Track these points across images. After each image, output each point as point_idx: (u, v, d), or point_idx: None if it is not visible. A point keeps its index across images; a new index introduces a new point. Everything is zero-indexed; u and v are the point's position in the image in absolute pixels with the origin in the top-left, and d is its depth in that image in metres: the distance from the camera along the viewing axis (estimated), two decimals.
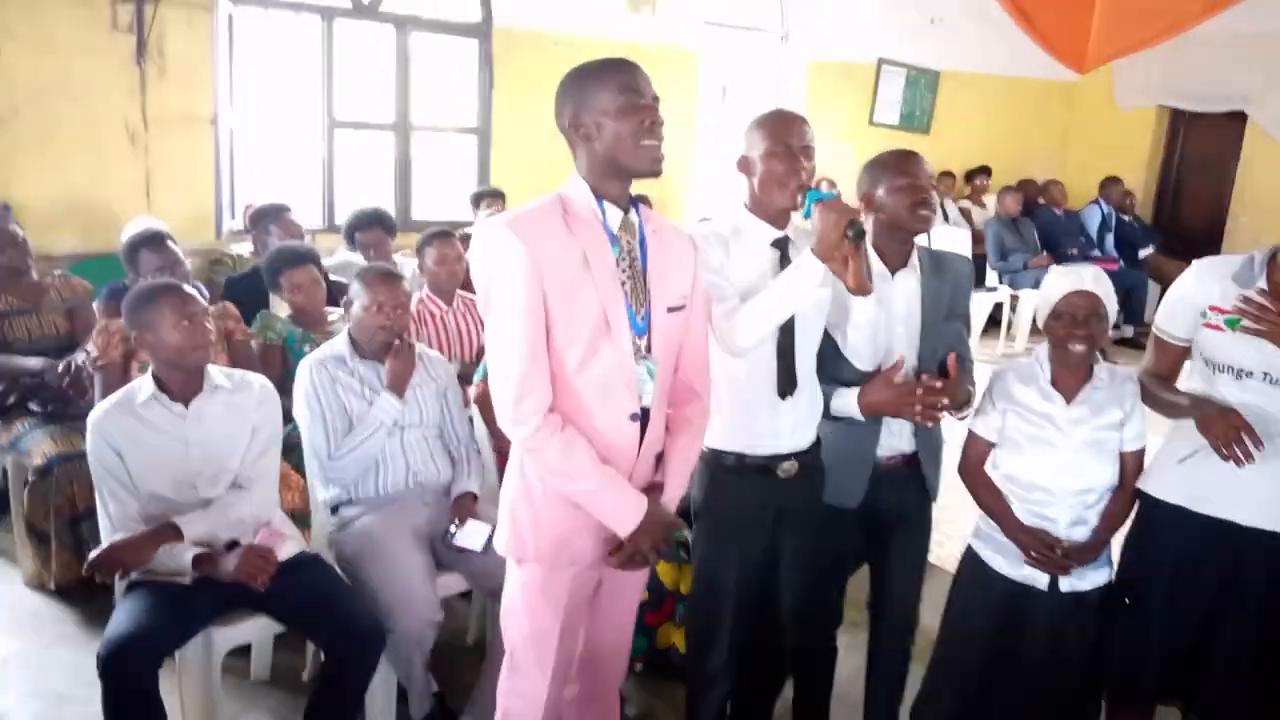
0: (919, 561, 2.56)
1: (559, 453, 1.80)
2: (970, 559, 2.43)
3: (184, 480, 2.48)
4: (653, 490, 1.94)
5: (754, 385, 2.21)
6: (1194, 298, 2.19)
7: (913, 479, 2.44)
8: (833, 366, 2.33)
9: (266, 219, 4.77)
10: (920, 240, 2.43)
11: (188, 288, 2.60)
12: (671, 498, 1.98)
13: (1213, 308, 2.13)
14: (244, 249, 5.26)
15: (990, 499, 2.35)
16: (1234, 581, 2.11)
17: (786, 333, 2.17)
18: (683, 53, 7.18)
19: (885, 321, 2.33)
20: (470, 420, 3.07)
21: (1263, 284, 2.08)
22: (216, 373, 2.60)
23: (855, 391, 2.26)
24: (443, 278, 3.87)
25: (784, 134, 2.15)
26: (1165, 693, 2.27)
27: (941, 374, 2.24)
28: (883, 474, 2.39)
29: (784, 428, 2.24)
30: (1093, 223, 8.28)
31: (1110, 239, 8.27)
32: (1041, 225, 8.05)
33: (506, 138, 6.66)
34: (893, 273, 2.36)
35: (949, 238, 7.72)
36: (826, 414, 2.33)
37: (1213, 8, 8.79)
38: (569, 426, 1.82)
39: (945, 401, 2.16)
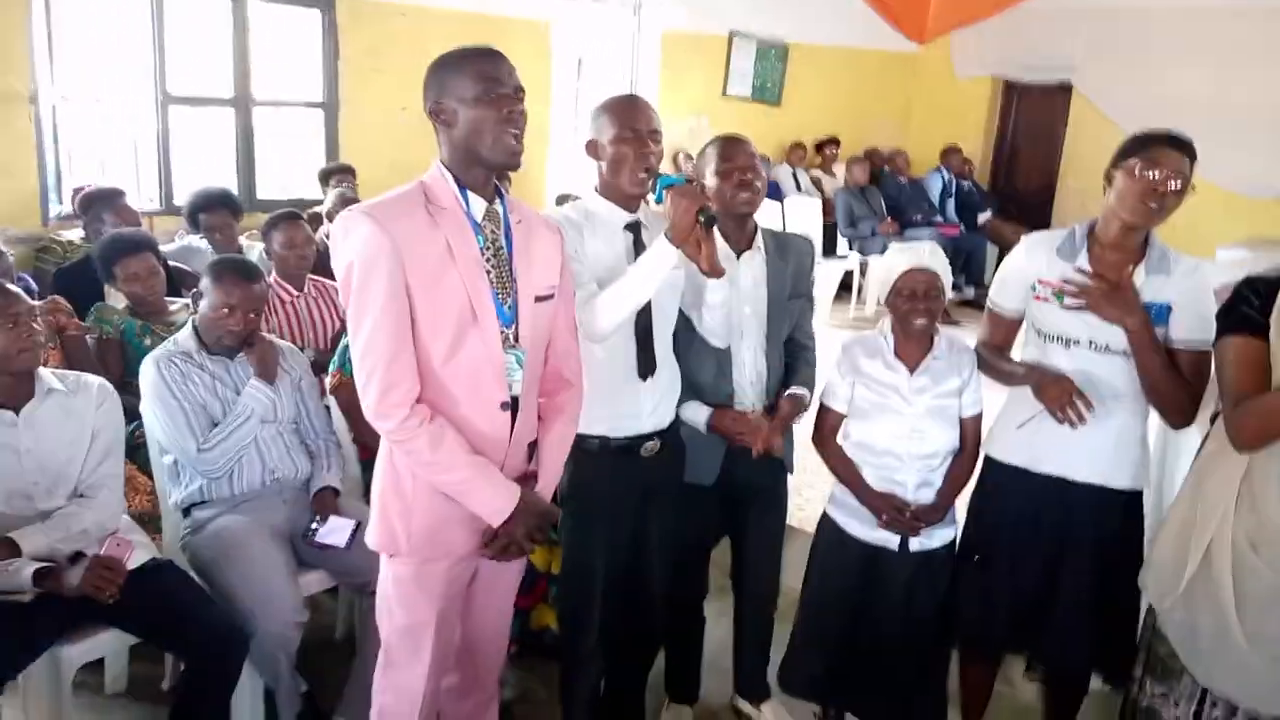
0: (777, 533, 2.67)
1: (428, 444, 1.79)
2: (827, 524, 2.54)
3: (18, 492, 2.33)
4: (526, 479, 1.95)
5: (614, 368, 2.24)
6: (1023, 272, 2.32)
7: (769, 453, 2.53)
8: (687, 345, 2.39)
9: (98, 204, 4.47)
10: (766, 221, 2.51)
11: (9, 285, 2.42)
12: (545, 486, 2.00)
13: (1041, 281, 2.27)
14: (74, 236, 4.93)
15: (843, 467, 2.46)
16: (1070, 535, 2.27)
17: (644, 315, 2.21)
18: (535, 24, 7.10)
19: (734, 302, 2.40)
20: (328, 411, 2.99)
21: (1084, 258, 2.23)
22: (49, 375, 2.44)
23: (707, 412, 2.39)
24: (292, 262, 3.74)
25: (630, 119, 2.18)
26: (1012, 641, 2.44)
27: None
28: (738, 451, 2.47)
29: (645, 408, 2.29)
30: (935, 190, 8.68)
31: (951, 205, 8.69)
32: (888, 193, 8.39)
33: (355, 111, 6.45)
34: (738, 254, 2.43)
35: (801, 207, 7.97)
36: (683, 394, 2.40)
37: None
38: (438, 417, 1.81)
39: (779, 442, 2.37)
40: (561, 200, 6.75)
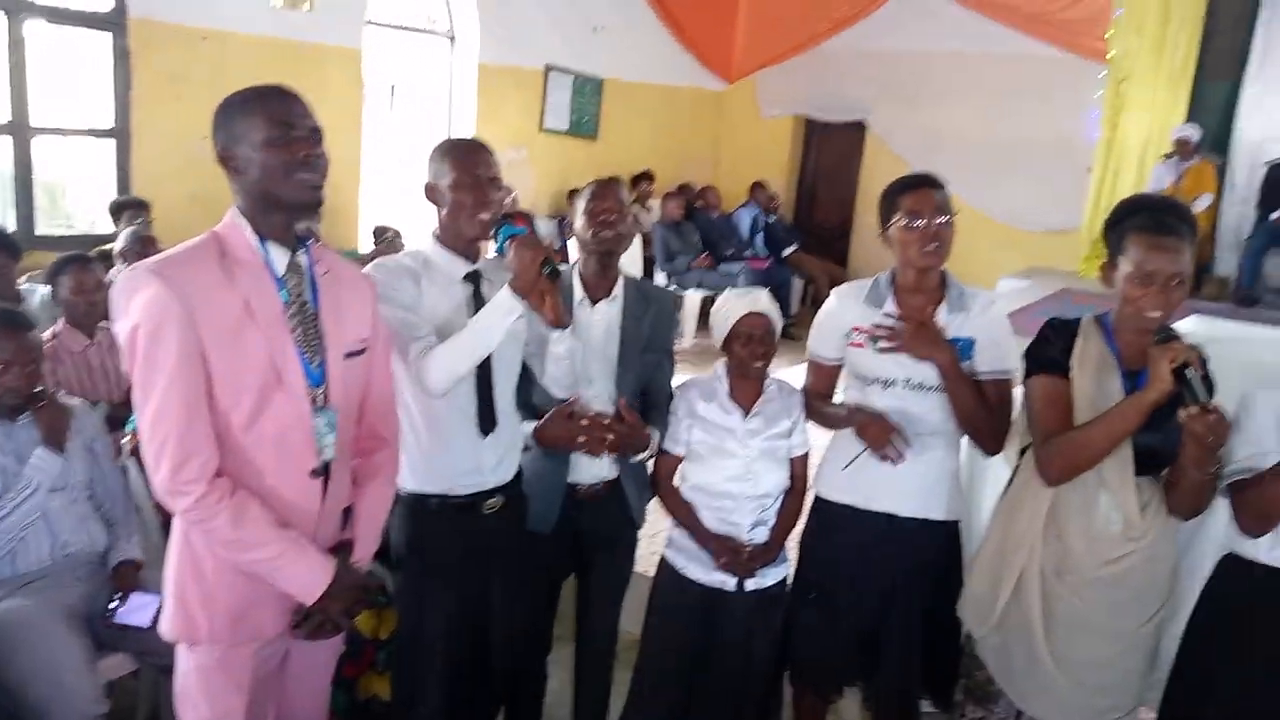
0: (621, 583, 2.65)
1: (229, 521, 1.65)
2: (665, 568, 2.55)
3: None
4: (341, 549, 1.84)
5: (453, 423, 2.17)
6: (837, 321, 2.42)
7: (615, 503, 2.52)
8: (527, 395, 2.34)
9: None
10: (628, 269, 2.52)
11: None
12: (363, 555, 1.89)
13: (855, 328, 2.37)
14: None
15: (681, 510, 2.48)
16: (897, 567, 2.37)
17: (484, 367, 2.15)
18: (346, 52, 6.87)
19: (582, 351, 2.38)
20: (125, 473, 2.74)
21: (890, 304, 2.34)
22: None
23: (533, 425, 2.31)
24: (81, 309, 3.43)
25: (471, 164, 2.13)
26: (846, 674, 2.51)
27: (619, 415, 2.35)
28: (584, 499, 2.44)
29: (487, 464, 2.22)
30: (745, 224, 9.00)
31: (760, 239, 9.02)
32: (702, 228, 8.62)
33: (150, 141, 6.00)
34: (594, 301, 2.41)
35: None
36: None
37: (837, 27, 9.94)
38: (239, 490, 1.67)
39: (611, 438, 2.28)
40: (380, 234, 6.55)
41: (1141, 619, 2.06)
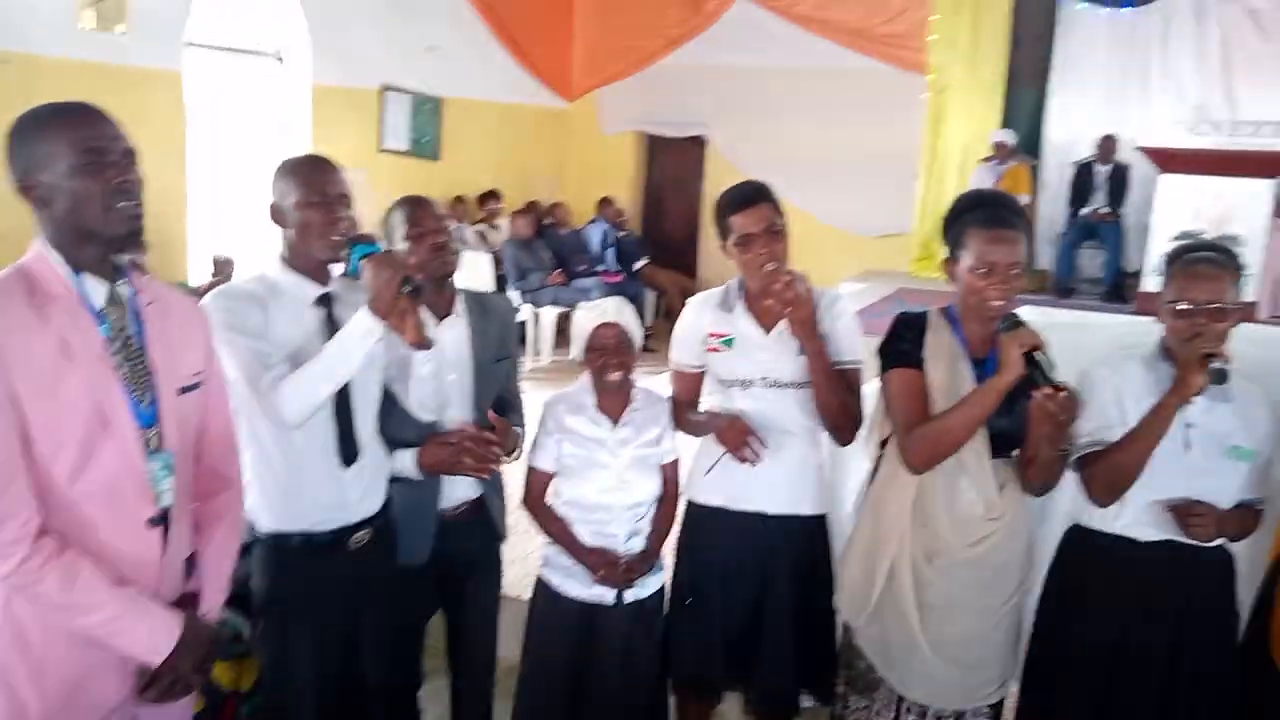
0: (492, 603, 2.58)
1: (59, 584, 1.50)
2: (542, 589, 2.50)
3: None
4: (187, 601, 1.70)
5: (311, 455, 2.05)
6: (694, 329, 2.44)
7: (480, 522, 2.45)
8: (387, 420, 2.25)
9: None
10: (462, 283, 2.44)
11: None
12: (211, 605, 1.76)
13: (711, 334, 2.40)
14: None
15: (556, 527, 2.43)
16: (770, 565, 2.39)
17: (342, 394, 2.04)
18: (165, 75, 6.50)
19: (444, 371, 2.31)
20: None
21: (741, 309, 2.38)
22: None
23: (412, 452, 2.22)
24: None
25: (318, 181, 2.03)
26: (726, 677, 2.50)
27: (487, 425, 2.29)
28: (449, 523, 2.36)
29: (352, 496, 2.12)
30: (595, 240, 9.02)
31: (611, 254, 9.07)
32: (552, 245, 8.58)
33: None
34: (438, 320, 2.34)
35: (471, 262, 7.93)
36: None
37: (671, 45, 10.14)
38: (68, 549, 1.52)
39: (498, 451, 2.23)
40: (220, 266, 6.22)
41: (1006, 595, 2.15)
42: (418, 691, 2.58)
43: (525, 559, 2.87)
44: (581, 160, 10.67)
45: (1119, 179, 8.07)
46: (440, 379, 2.24)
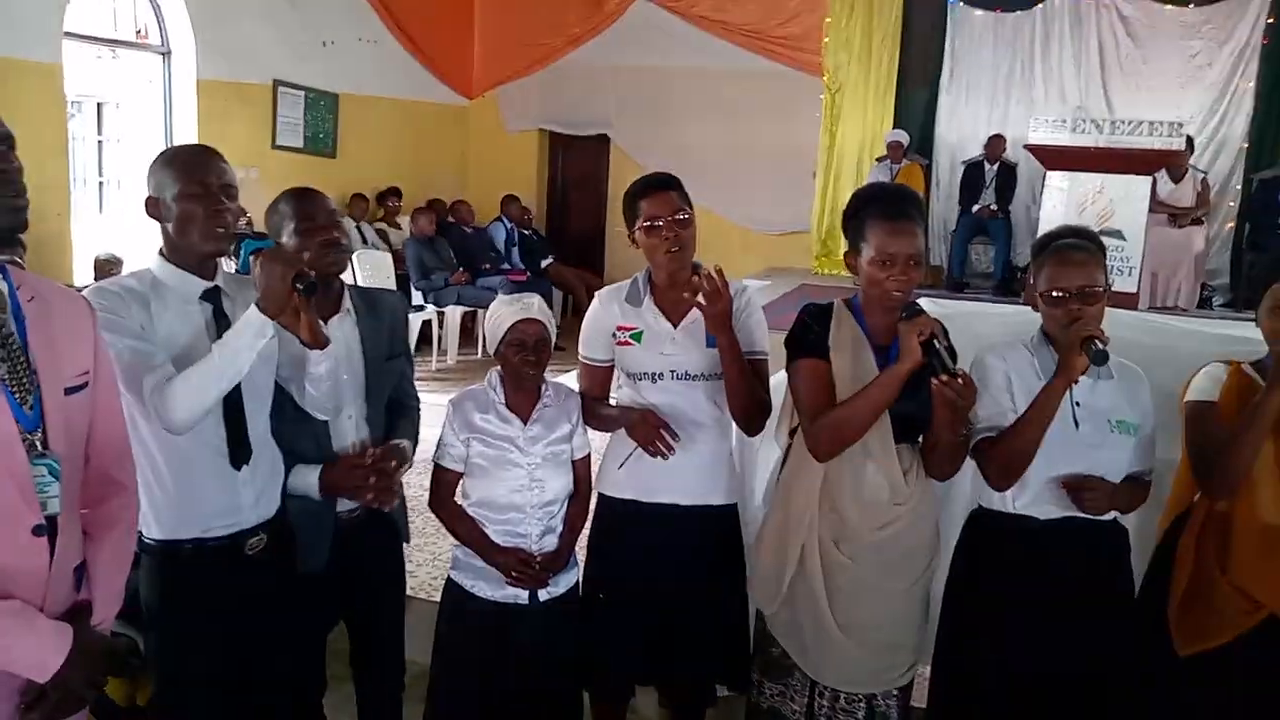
0: (398, 608, 2.52)
1: None
2: (452, 591, 2.45)
3: None
4: (78, 613, 1.61)
5: (201, 459, 1.97)
6: (602, 323, 2.43)
7: (380, 526, 2.38)
8: (278, 421, 2.17)
9: None
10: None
11: None
12: (104, 616, 1.66)
13: (620, 327, 2.40)
14: None
15: (466, 529, 2.39)
16: (683, 557, 2.39)
17: (232, 394, 1.96)
18: (43, 68, 6.17)
19: (341, 369, 2.25)
20: None
21: (649, 302, 2.39)
22: None
23: (316, 470, 2.17)
24: None
25: (199, 171, 1.95)
26: (641, 672, 2.50)
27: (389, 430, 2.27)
28: (346, 527, 2.30)
29: (245, 500, 2.03)
30: (500, 238, 8.94)
31: (516, 252, 9.00)
32: (455, 243, 8.47)
33: None
34: (326, 319, 2.27)
35: (371, 261, 7.77)
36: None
37: (573, 44, 10.13)
38: None
39: (400, 477, 2.21)
40: (105, 266, 5.92)
41: (913, 577, 2.20)
42: (321, 699, 2.51)
43: (435, 560, 2.82)
44: (484, 158, 10.57)
45: (1006, 177, 8.39)
46: (338, 378, 2.18)
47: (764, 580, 2.29)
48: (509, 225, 9.03)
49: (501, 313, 2.36)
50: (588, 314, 2.49)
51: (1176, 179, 7.72)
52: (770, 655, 2.30)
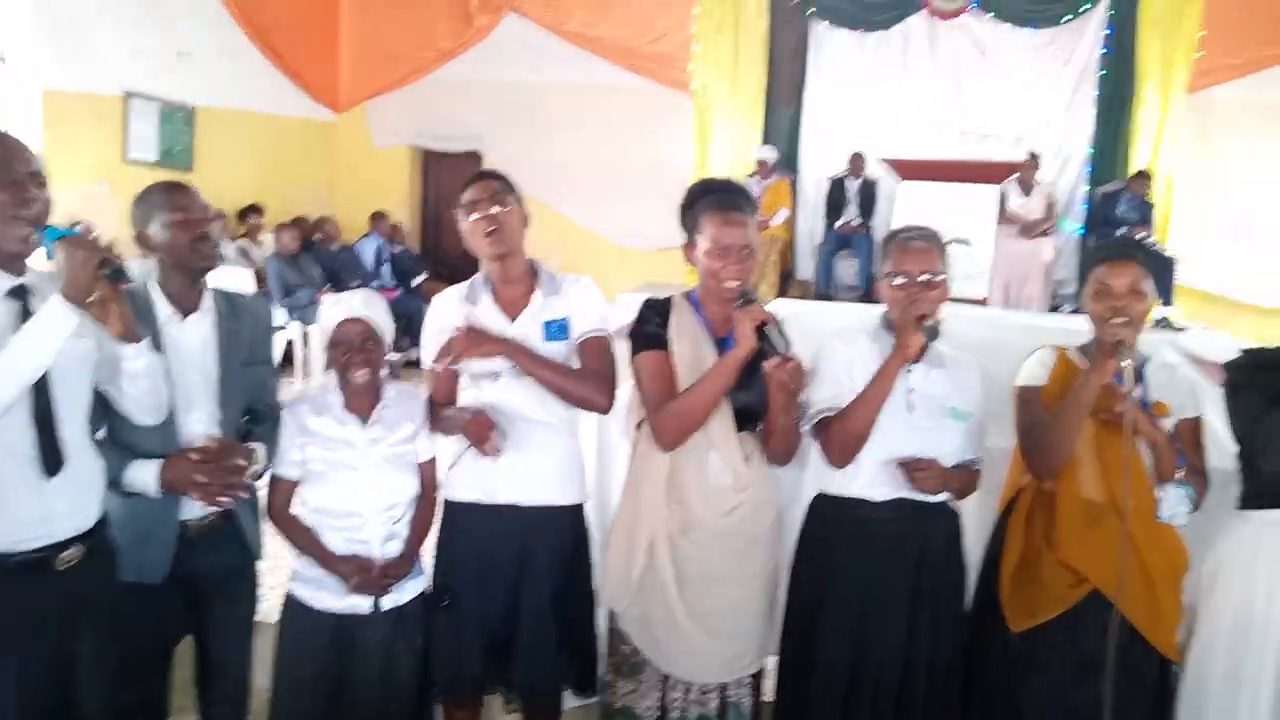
0: (246, 627, 2.39)
1: None
2: (291, 604, 2.35)
3: None
4: None
5: (7, 466, 1.82)
6: (441, 325, 2.39)
7: (231, 539, 2.27)
8: (123, 428, 2.05)
9: None
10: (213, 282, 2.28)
11: None
12: None
13: (458, 328, 2.35)
14: None
15: (303, 538, 2.29)
16: (527, 558, 2.35)
17: (42, 396, 1.82)
18: None
19: (180, 369, 2.13)
20: None
21: (487, 299, 2.37)
22: None
23: (154, 465, 2.04)
24: None
25: (2, 161, 1.81)
26: (488, 677, 2.43)
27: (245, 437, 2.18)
28: (194, 537, 2.18)
29: (58, 510, 1.88)
30: (369, 255, 8.74)
31: (387, 270, 8.81)
32: (322, 261, 8.23)
33: None
34: (184, 315, 2.16)
35: (230, 278, 7.47)
36: (115, 484, 2.05)
37: (443, 58, 10.03)
38: None
39: (245, 475, 2.12)
40: None
41: (759, 564, 2.22)
42: None
43: (275, 572, 2.69)
44: (353, 174, 10.32)
45: (868, 192, 8.68)
46: (158, 377, 2.06)
47: (614, 576, 2.27)
48: (379, 242, 8.84)
49: (329, 312, 2.30)
50: (426, 318, 2.44)
51: (1026, 192, 8.13)
52: (621, 653, 2.27)
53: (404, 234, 9.50)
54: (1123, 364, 2.03)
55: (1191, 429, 2.24)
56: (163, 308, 2.17)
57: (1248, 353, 2.27)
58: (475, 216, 2.31)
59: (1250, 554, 2.12)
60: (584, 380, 2.31)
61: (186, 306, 2.19)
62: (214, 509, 2.21)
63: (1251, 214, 8.15)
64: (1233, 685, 2.11)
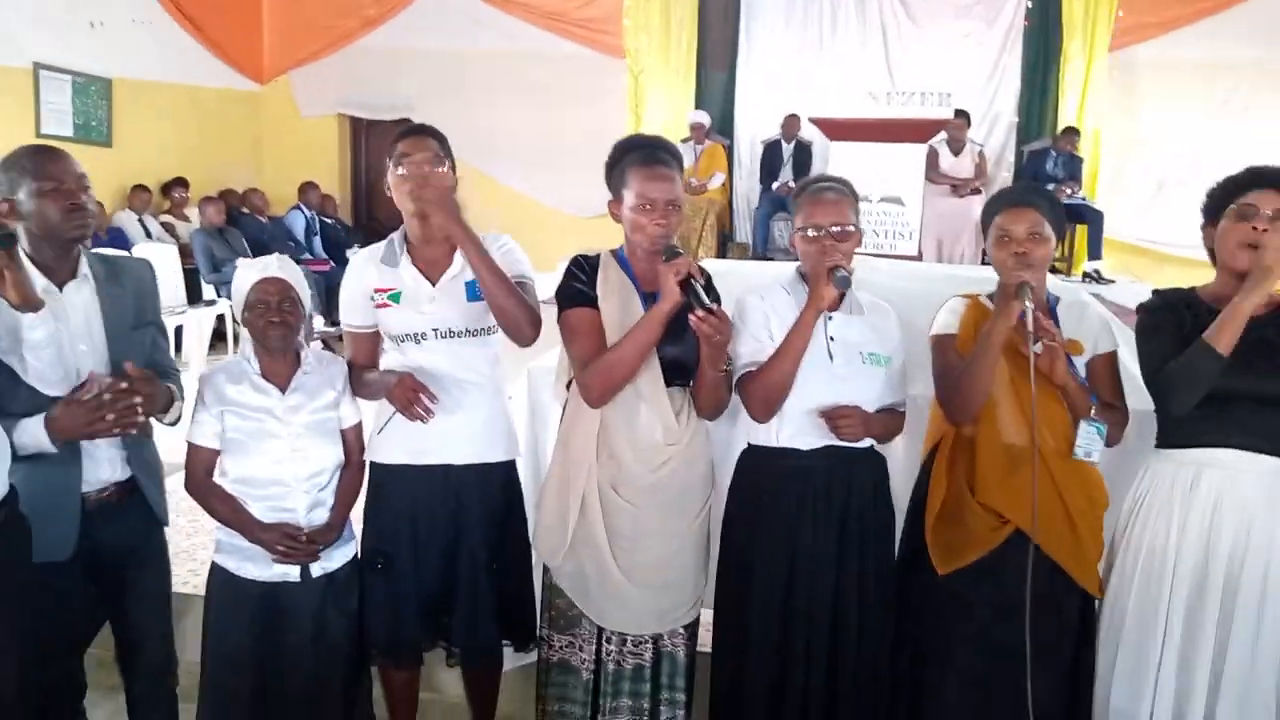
0: (161, 593, 2.35)
1: None
2: (217, 575, 2.31)
3: None
4: None
5: None
6: (359, 286, 2.35)
7: (135, 507, 2.21)
8: (12, 400, 1.97)
9: None
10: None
11: None
12: None
13: (377, 289, 2.32)
14: None
15: (225, 508, 2.25)
16: (461, 517, 2.34)
17: None
18: None
19: (67, 340, 2.05)
20: None
21: (406, 261, 2.32)
22: None
23: (40, 419, 1.94)
24: None
25: None
26: (426, 638, 2.42)
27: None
28: (95, 510, 2.12)
29: None
30: (299, 228, 8.55)
31: (318, 242, 8.63)
32: (249, 234, 8.03)
33: None
34: (60, 286, 2.08)
35: (155, 254, 7.27)
36: (16, 456, 1.97)
37: (368, 25, 9.80)
38: None
39: (139, 400, 1.97)
40: None
41: (690, 516, 2.23)
42: (80, 701, 2.31)
43: (206, 550, 2.65)
44: (280, 145, 10.06)
45: (803, 155, 8.70)
46: (63, 345, 1.99)
47: (548, 532, 2.26)
48: (308, 214, 8.65)
49: (244, 274, 2.24)
50: (344, 279, 2.40)
51: (956, 152, 8.23)
52: (557, 608, 2.28)
53: (334, 205, 9.30)
54: (1026, 304, 2.06)
55: (1105, 365, 2.29)
56: (38, 279, 2.04)
57: (1157, 293, 2.31)
58: (405, 171, 2.26)
59: (1165, 492, 2.17)
60: (521, 301, 2.25)
61: (62, 276, 2.10)
62: (113, 481, 2.16)
63: (1175, 168, 8.34)
64: (1148, 618, 2.17)
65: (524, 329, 2.28)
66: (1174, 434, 2.20)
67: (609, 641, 2.23)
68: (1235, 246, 2.11)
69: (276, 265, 2.25)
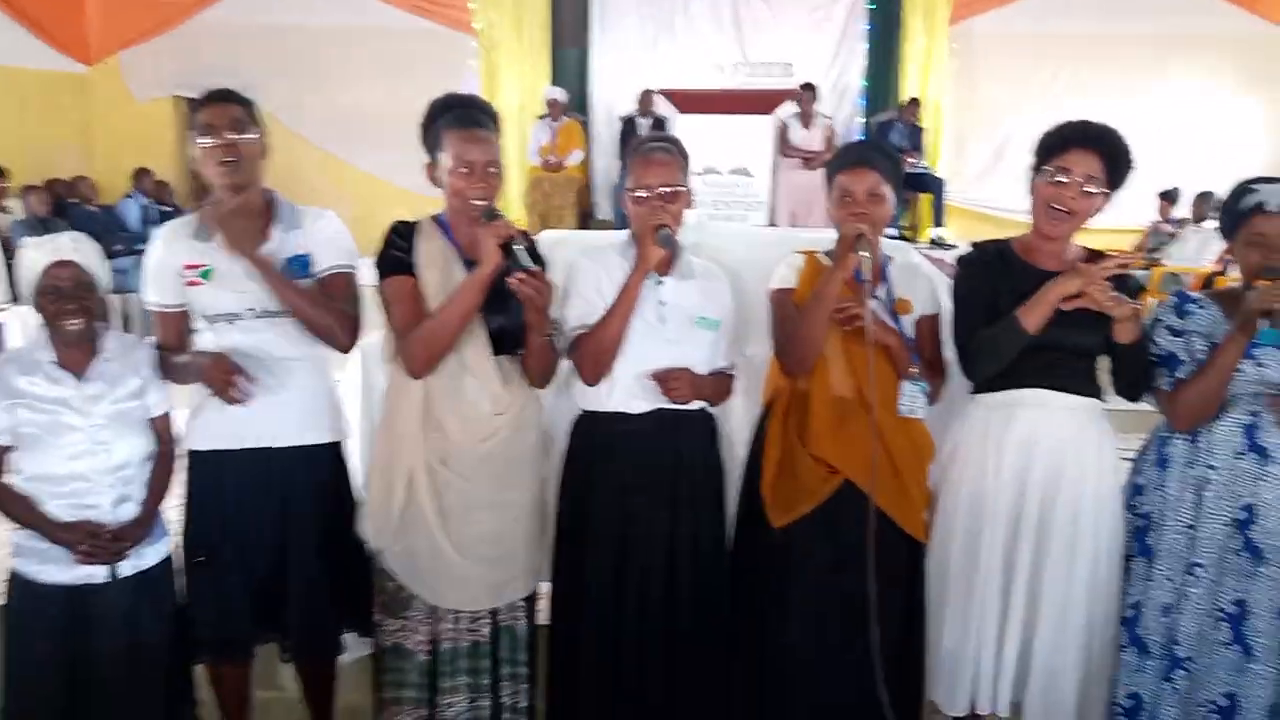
0: None
1: None
2: (17, 582, 2.15)
3: None
4: None
5: None
6: (167, 263, 2.21)
7: None
8: None
9: None
10: None
11: None
12: None
13: (187, 266, 2.19)
14: None
15: (18, 508, 2.10)
16: (287, 501, 2.23)
17: None
18: None
19: None
20: None
21: (219, 238, 2.18)
22: None
23: None
24: None
25: None
26: (257, 632, 2.32)
27: None
28: None
29: None
30: (133, 216, 8.09)
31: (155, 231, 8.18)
32: (79, 224, 7.51)
33: None
34: None
35: None
36: None
37: (201, 3, 9.29)
38: None
39: None
40: None
41: (523, 487, 2.19)
42: None
43: None
44: (112, 130, 9.46)
45: (660, 129, 8.71)
46: None
47: (375, 514, 2.18)
48: (144, 202, 8.18)
49: (34, 257, 2.08)
50: (149, 255, 2.24)
51: (807, 125, 8.38)
52: (388, 591, 2.20)
53: (171, 192, 8.81)
54: (861, 255, 2.09)
55: (931, 325, 2.35)
56: None
57: (976, 246, 2.39)
58: (210, 142, 2.14)
59: (980, 434, 2.25)
60: (329, 311, 2.18)
61: None
62: None
63: (1013, 137, 8.71)
64: (971, 559, 2.24)
65: (338, 339, 2.22)
66: (989, 380, 2.27)
67: (444, 620, 2.17)
68: (1043, 207, 2.18)
69: (71, 247, 2.10)
